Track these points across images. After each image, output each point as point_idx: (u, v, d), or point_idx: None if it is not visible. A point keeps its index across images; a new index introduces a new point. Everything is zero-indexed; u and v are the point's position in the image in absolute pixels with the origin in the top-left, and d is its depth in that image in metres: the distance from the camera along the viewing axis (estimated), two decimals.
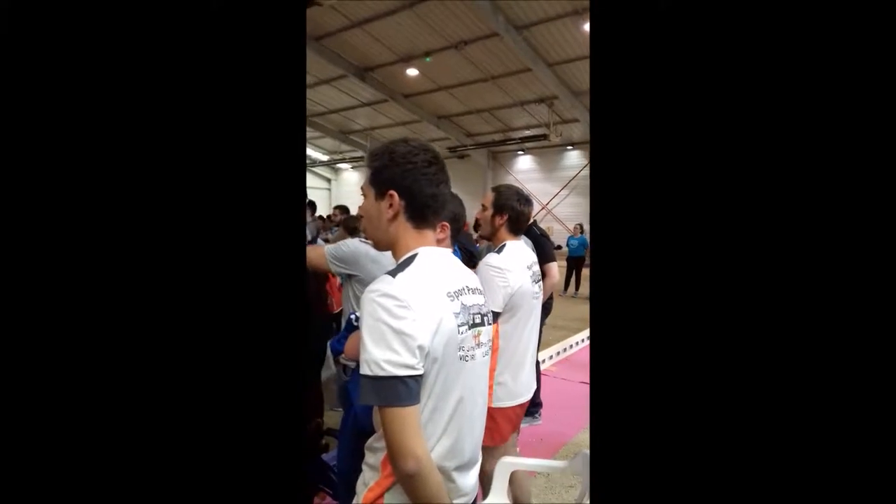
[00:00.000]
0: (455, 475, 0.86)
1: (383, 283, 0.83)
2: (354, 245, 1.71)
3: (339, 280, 3.05)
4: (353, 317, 1.48)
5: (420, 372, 0.80)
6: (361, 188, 1.00)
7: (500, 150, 11.61)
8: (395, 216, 0.91)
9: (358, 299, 2.09)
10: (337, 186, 17.24)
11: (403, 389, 0.77)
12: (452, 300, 0.86)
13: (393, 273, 0.85)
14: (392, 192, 0.91)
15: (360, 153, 13.96)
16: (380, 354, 0.77)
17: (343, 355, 1.43)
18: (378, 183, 0.93)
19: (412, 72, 9.39)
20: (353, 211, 6.48)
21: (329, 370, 2.33)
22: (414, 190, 0.90)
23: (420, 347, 0.80)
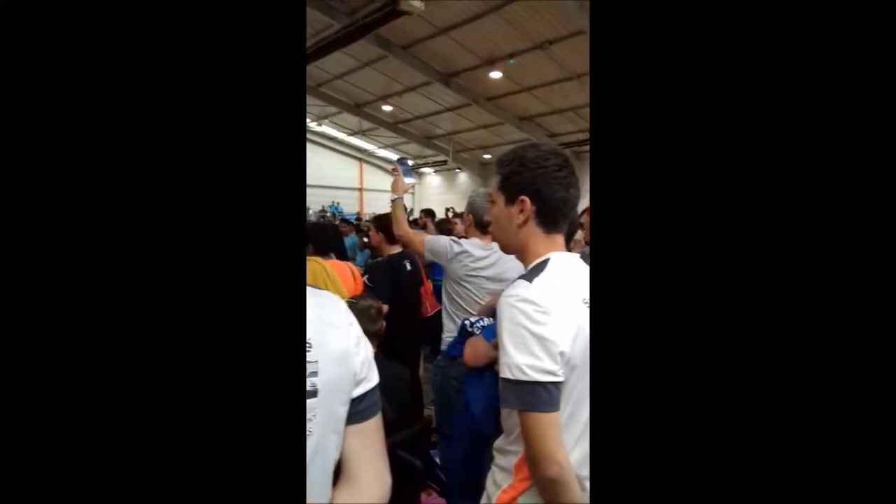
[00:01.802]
0: (588, 484, 0.86)
1: (521, 289, 0.84)
2: (447, 241, 2.10)
3: (431, 284, 3.14)
4: (467, 322, 1.51)
5: (561, 379, 0.80)
6: (489, 194, 1.02)
7: (582, 149, 11.27)
8: (525, 221, 0.92)
9: (452, 301, 2.15)
10: (420, 190, 17.66)
11: (545, 395, 0.78)
12: (587, 307, 0.85)
13: (528, 278, 0.86)
14: (523, 197, 0.91)
15: (442, 157, 14.19)
16: (521, 359, 0.78)
17: (460, 360, 1.46)
18: (508, 188, 0.94)
19: (495, 74, 9.39)
20: (440, 214, 6.61)
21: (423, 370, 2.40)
22: (545, 194, 0.90)
23: (561, 354, 0.80)
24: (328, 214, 9.96)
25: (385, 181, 17.19)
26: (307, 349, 0.62)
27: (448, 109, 11.60)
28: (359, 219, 9.96)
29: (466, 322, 1.51)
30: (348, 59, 9.61)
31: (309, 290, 0.68)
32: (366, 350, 0.70)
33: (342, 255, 2.98)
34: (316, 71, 10.36)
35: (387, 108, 12.21)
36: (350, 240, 5.86)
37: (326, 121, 14.29)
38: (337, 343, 0.66)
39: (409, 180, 2.17)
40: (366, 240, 5.24)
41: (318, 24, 8.67)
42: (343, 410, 0.66)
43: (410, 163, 2.18)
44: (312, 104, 12.16)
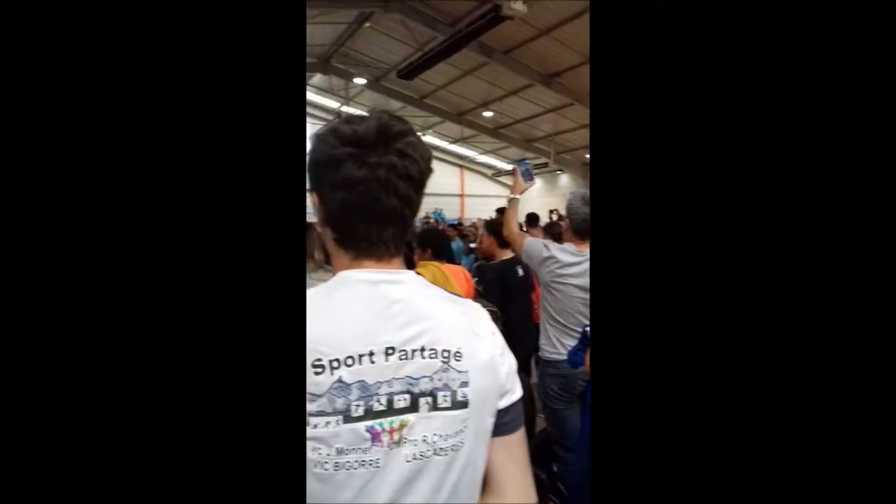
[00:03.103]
0: None
1: None
2: (540, 246, 2.10)
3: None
4: (587, 329, 1.46)
5: None
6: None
7: None
8: None
9: (543, 307, 2.09)
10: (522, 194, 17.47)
11: None
12: None
13: None
14: None
15: (542, 160, 13.95)
16: None
17: (583, 369, 1.41)
18: None
19: None
20: (543, 217, 6.49)
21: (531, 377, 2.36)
22: None
23: None
24: (432, 220, 10.31)
25: (486, 187, 17.29)
26: (457, 359, 0.62)
27: (549, 111, 11.38)
28: (460, 224, 10.13)
29: (587, 329, 1.46)
30: (450, 68, 9.85)
31: (452, 297, 0.69)
32: (510, 361, 0.69)
33: (450, 260, 3.04)
34: (420, 83, 10.76)
35: (487, 113, 12.29)
36: (456, 244, 5.98)
37: (430, 131, 14.76)
38: (483, 353, 0.65)
39: (528, 182, 2.16)
40: (472, 245, 5.30)
41: (421, 37, 9.01)
42: (490, 422, 0.66)
43: (530, 164, 2.17)
44: (417, 115, 12.64)
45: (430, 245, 2.53)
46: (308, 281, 2.01)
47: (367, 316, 0.60)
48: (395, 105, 12.22)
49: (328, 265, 2.17)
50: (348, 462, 0.56)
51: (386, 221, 0.62)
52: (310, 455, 0.56)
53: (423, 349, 0.60)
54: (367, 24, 9.40)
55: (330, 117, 14.01)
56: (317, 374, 0.56)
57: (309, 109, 15.76)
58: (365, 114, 0.64)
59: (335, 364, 0.57)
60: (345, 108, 14.01)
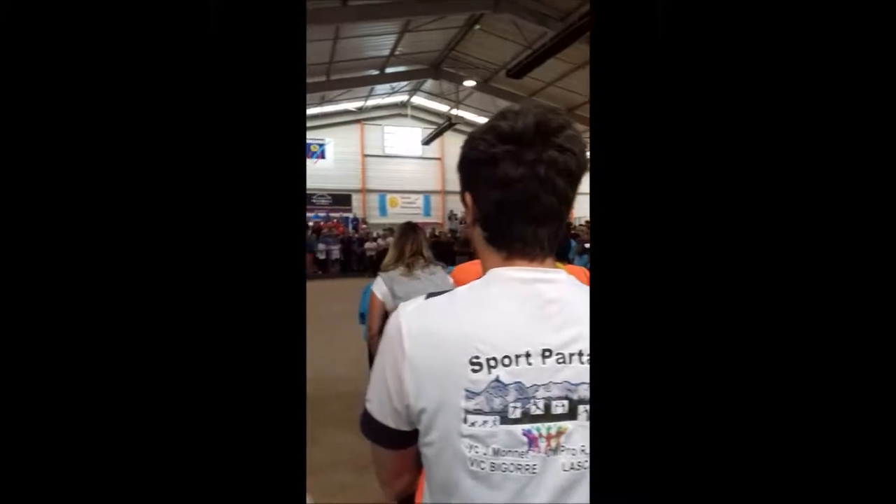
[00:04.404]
0: None
1: None
2: None
3: None
4: None
5: None
6: None
7: None
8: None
9: None
10: None
11: None
12: None
13: None
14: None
15: None
16: None
17: None
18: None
19: None
20: None
21: None
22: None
23: None
24: None
25: None
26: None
27: None
28: (570, 223, 9.85)
29: None
30: (561, 64, 9.60)
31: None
32: None
33: (566, 260, 2.96)
34: (528, 81, 10.64)
35: None
36: (570, 244, 5.84)
37: None
38: None
39: None
40: (586, 245, 5.14)
41: (531, 35, 8.89)
42: None
43: None
44: None
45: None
46: (421, 277, 2.09)
47: (522, 315, 0.58)
48: (502, 104, 12.21)
49: (438, 262, 2.23)
50: (504, 464, 0.56)
51: (542, 220, 0.60)
52: (466, 452, 0.56)
53: (580, 354, 0.57)
54: (477, 27, 9.51)
55: (440, 121, 14.43)
56: (474, 371, 0.56)
57: (420, 114, 16.43)
58: (521, 109, 0.62)
59: (492, 363, 0.56)
60: (455, 112, 14.33)
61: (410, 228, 2.23)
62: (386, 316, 2.15)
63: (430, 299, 0.61)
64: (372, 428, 0.63)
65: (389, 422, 0.61)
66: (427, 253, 2.14)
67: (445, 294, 0.61)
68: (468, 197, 0.64)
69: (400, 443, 0.63)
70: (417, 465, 0.66)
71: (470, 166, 0.63)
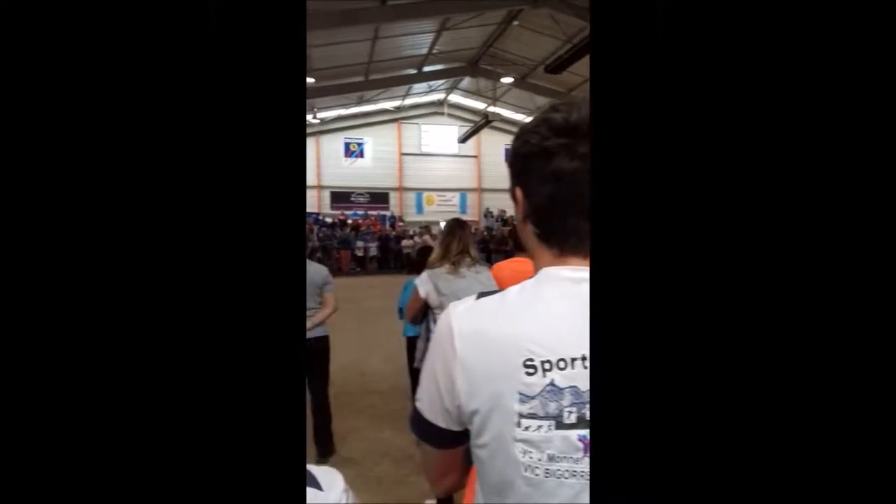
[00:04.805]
0: None
1: None
2: None
3: None
4: None
5: None
6: None
7: None
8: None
9: None
10: None
11: None
12: None
13: None
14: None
15: None
16: None
17: None
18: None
19: None
20: None
21: None
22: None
23: None
24: None
25: None
26: None
27: None
28: None
29: None
30: None
31: None
32: None
33: None
34: (567, 76, 10.46)
35: None
36: None
37: None
38: None
39: None
40: None
41: (570, 29, 8.74)
42: None
43: None
44: None
45: None
46: (466, 276, 2.05)
47: (577, 317, 0.55)
48: (540, 101, 12.06)
49: (485, 262, 2.22)
50: (559, 470, 0.55)
51: None
52: (520, 458, 0.55)
53: None
54: (516, 23, 9.43)
55: (477, 118, 14.40)
56: (528, 374, 0.54)
57: (456, 112, 16.41)
58: (574, 101, 0.61)
59: (547, 366, 0.54)
60: (492, 109, 14.26)
61: (458, 225, 2.18)
62: (427, 313, 2.14)
63: (482, 299, 0.60)
64: (421, 427, 0.62)
65: (440, 421, 0.60)
66: (474, 251, 2.11)
67: (497, 294, 0.60)
68: (519, 192, 0.62)
69: (449, 442, 0.62)
70: (465, 465, 0.65)
71: (521, 160, 0.61)
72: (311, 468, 0.63)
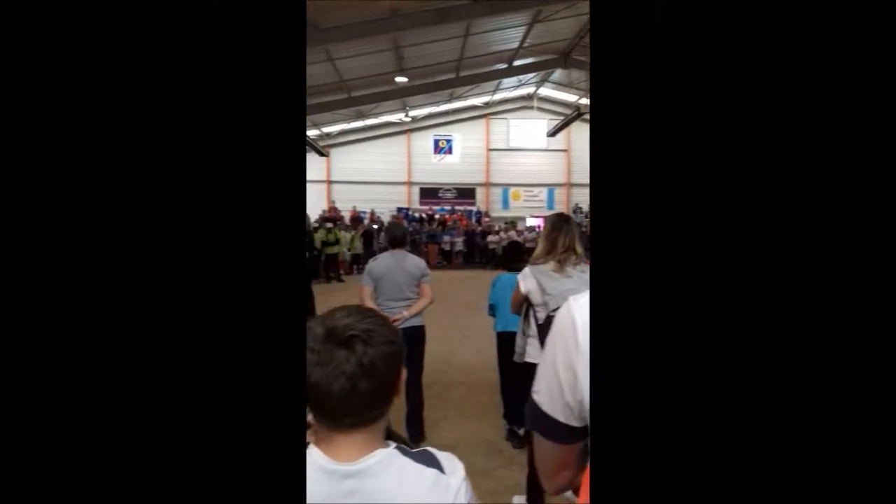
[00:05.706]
0: None
1: None
2: None
3: None
4: None
5: None
6: None
7: None
8: None
9: None
10: None
11: None
12: None
13: None
14: None
15: None
16: None
17: None
18: None
19: None
20: None
21: None
22: None
23: None
24: None
25: None
26: None
27: None
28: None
29: None
30: None
31: None
32: None
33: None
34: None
35: None
36: None
37: None
38: None
39: None
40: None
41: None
42: None
43: None
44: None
45: None
46: (573, 275, 1.92)
47: None
48: None
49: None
50: None
51: None
52: None
53: None
54: None
55: (567, 111, 14.00)
56: None
57: (546, 105, 16.06)
58: None
59: None
60: (584, 101, 13.78)
61: (564, 220, 2.01)
62: (529, 309, 2.03)
63: None
64: (540, 420, 0.61)
65: (559, 416, 0.59)
66: (580, 249, 1.95)
67: None
68: None
69: (568, 438, 0.60)
70: (581, 462, 0.64)
71: None
72: (435, 452, 0.65)
